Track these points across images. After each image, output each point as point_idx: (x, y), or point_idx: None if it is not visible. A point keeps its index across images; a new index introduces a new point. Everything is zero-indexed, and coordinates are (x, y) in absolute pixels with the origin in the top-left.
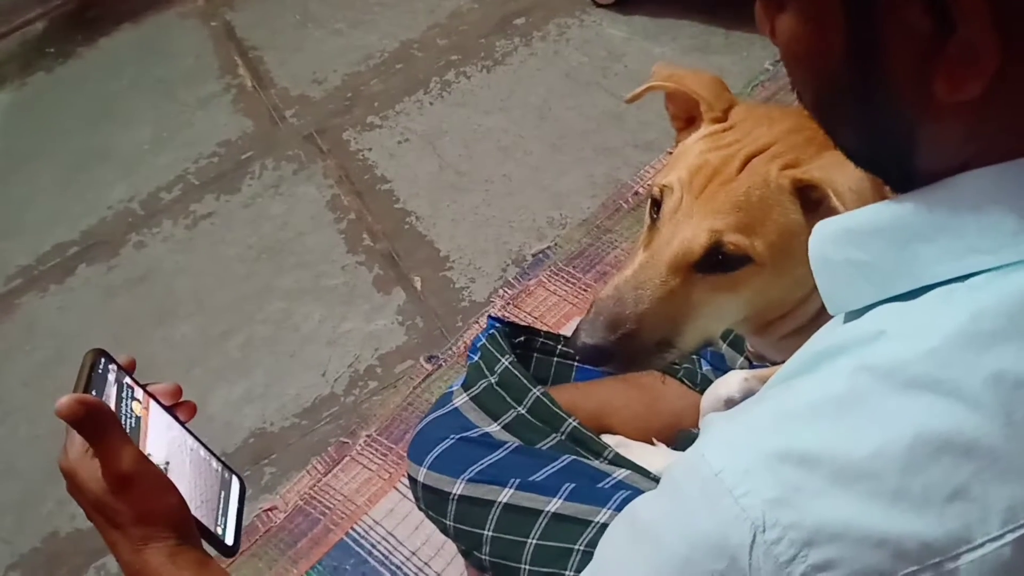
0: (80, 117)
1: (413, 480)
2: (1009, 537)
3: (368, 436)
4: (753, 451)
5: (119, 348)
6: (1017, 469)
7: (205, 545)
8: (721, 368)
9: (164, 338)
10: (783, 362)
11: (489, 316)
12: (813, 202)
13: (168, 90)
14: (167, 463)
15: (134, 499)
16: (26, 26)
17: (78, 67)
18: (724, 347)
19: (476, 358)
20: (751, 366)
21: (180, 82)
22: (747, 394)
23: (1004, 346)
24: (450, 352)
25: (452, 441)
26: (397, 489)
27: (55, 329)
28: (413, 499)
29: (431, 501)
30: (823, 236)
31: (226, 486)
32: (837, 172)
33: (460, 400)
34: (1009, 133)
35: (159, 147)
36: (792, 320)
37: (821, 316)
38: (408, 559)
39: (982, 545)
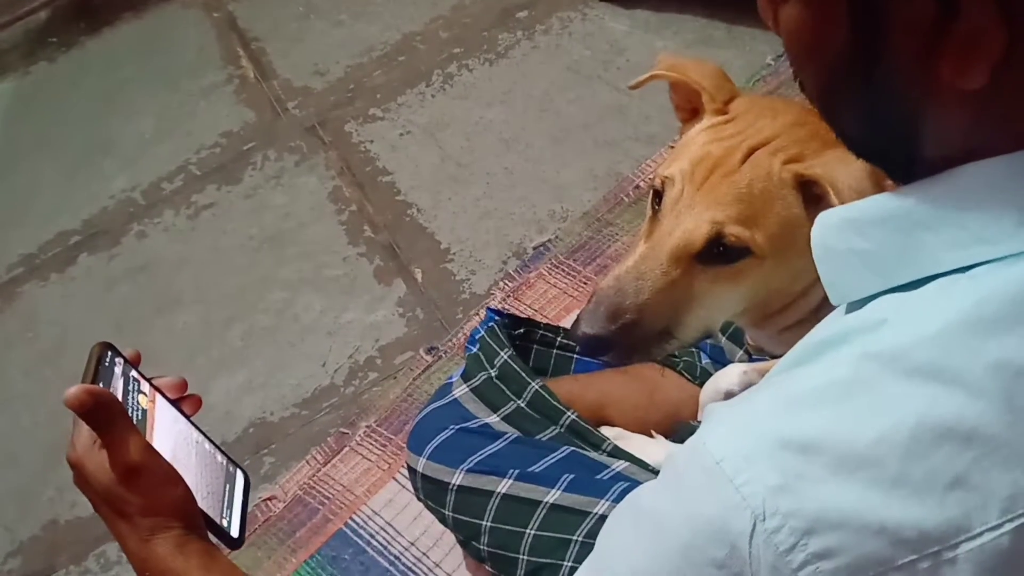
0: (82, 107)
1: (412, 470)
2: (1008, 527)
3: (367, 427)
4: (754, 439)
5: (120, 337)
6: (1017, 457)
7: (211, 537)
8: (721, 361)
9: (165, 328)
10: (782, 355)
11: (488, 308)
12: (815, 197)
13: (170, 80)
14: (173, 456)
15: (142, 489)
16: (29, 15)
17: (81, 57)
18: (724, 340)
19: (475, 350)
20: (750, 359)
21: (182, 72)
22: (746, 387)
23: (1007, 334)
24: (450, 344)
25: (452, 431)
26: (396, 480)
27: (56, 318)
28: (412, 489)
29: (430, 491)
30: (826, 226)
31: (231, 479)
32: (839, 169)
33: (460, 391)
34: (1015, 120)
35: (161, 137)
36: (792, 313)
37: (821, 309)
38: (406, 549)
39: (980, 534)
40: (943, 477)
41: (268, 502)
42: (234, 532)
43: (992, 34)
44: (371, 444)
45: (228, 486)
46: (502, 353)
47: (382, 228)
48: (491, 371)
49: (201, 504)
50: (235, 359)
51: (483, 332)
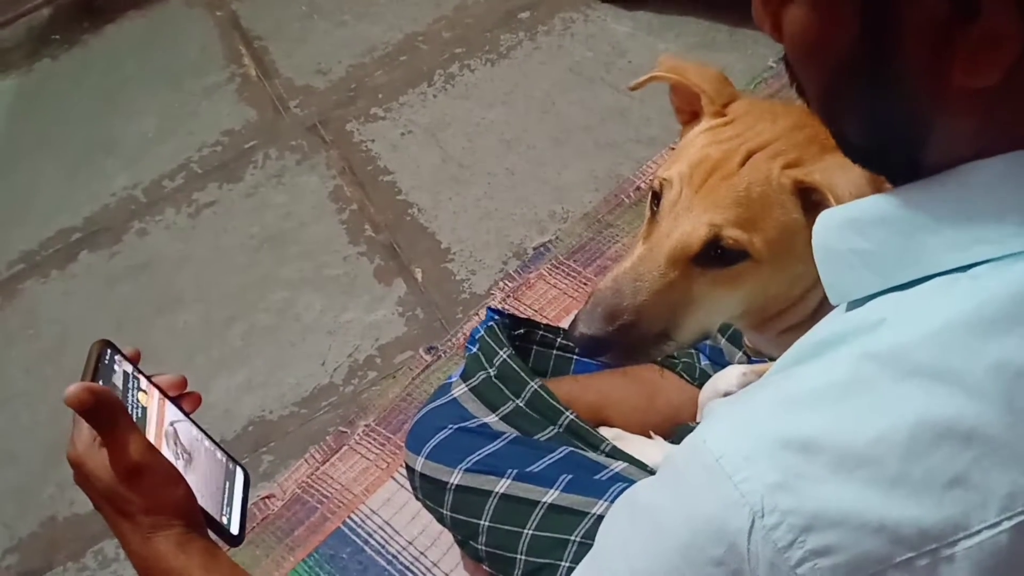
0: (85, 104)
1: (411, 469)
2: (1006, 524)
3: (366, 426)
4: (754, 437)
5: (120, 335)
6: (1017, 457)
7: (211, 535)
8: (720, 363)
9: (166, 326)
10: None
11: (488, 308)
12: (813, 203)
13: (173, 79)
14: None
15: (143, 488)
16: (32, 12)
17: (84, 55)
18: (723, 342)
19: (475, 349)
20: (749, 361)
21: (185, 71)
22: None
23: (1007, 335)
24: (450, 343)
25: (450, 431)
26: (394, 479)
27: (56, 315)
28: (410, 489)
29: (428, 490)
30: (827, 225)
31: (231, 476)
32: (839, 176)
33: (459, 391)
34: (1019, 125)
35: (163, 135)
36: (790, 316)
37: (819, 312)
38: (404, 548)
39: (978, 532)
40: (942, 476)
41: (266, 500)
42: (234, 529)
43: (1011, 35)
44: (370, 443)
45: (228, 483)
46: (501, 353)
47: (383, 228)
48: (490, 370)
49: (201, 502)
50: (235, 358)
51: (483, 332)
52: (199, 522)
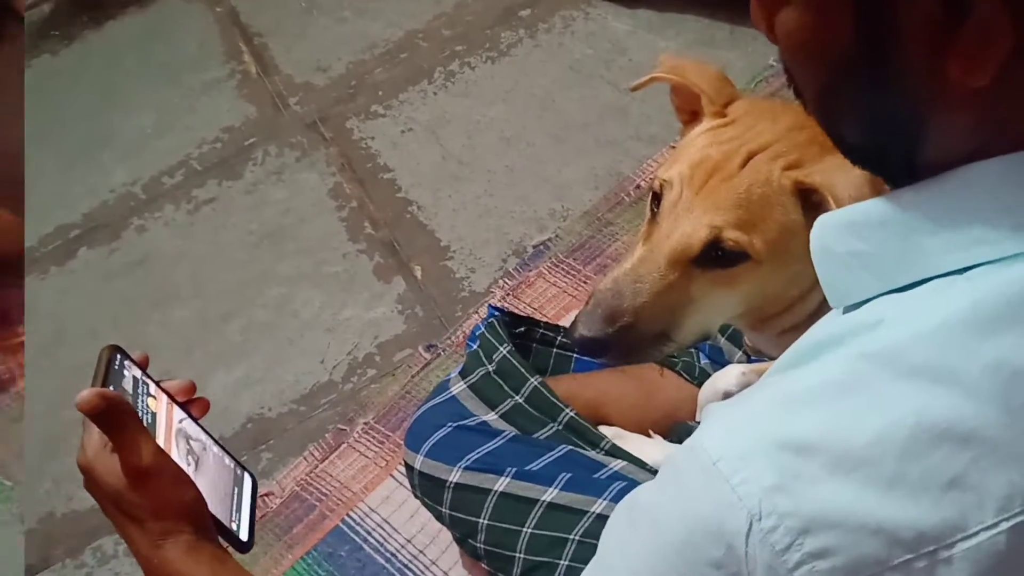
0: (84, 101)
1: (410, 467)
2: (1004, 526)
3: (365, 423)
4: (751, 439)
5: (118, 331)
6: (1013, 456)
7: (220, 541)
8: (719, 362)
9: (163, 322)
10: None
11: (489, 305)
12: (814, 204)
13: (172, 75)
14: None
15: (153, 492)
16: (32, 8)
17: (83, 50)
18: (723, 341)
19: (475, 346)
20: (749, 360)
21: (184, 67)
22: (744, 388)
23: (1003, 335)
24: (449, 341)
25: (449, 429)
26: (393, 477)
27: (55, 311)
28: (409, 487)
29: (427, 488)
30: (825, 228)
31: (239, 482)
32: (839, 177)
33: (458, 388)
34: (1015, 122)
35: (162, 132)
36: (790, 317)
37: (818, 313)
38: (403, 547)
39: (976, 534)
40: (940, 477)
41: (265, 498)
42: (243, 536)
43: (1002, 31)
44: (369, 441)
45: (236, 489)
46: (501, 348)
47: (382, 225)
48: (489, 366)
49: (211, 507)
50: (233, 354)
51: (483, 328)
52: (209, 527)
